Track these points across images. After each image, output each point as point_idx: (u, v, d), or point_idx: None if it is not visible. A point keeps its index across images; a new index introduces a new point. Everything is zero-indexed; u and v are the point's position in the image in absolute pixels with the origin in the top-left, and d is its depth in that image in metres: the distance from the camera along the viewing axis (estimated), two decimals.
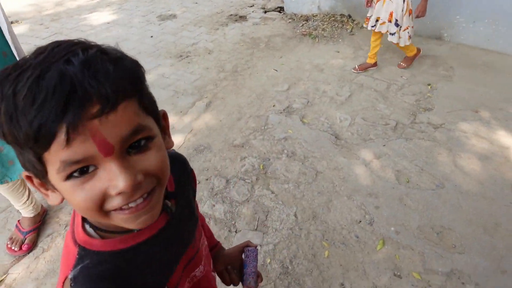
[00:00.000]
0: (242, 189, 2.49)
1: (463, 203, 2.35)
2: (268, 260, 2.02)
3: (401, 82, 3.72)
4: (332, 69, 4.00)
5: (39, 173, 0.49)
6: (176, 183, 0.73)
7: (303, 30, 4.96)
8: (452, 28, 4.40)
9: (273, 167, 2.67)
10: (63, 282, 0.58)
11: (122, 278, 0.60)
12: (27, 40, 4.88)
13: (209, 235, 1.02)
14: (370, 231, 2.18)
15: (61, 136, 0.43)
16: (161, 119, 0.59)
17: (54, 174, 0.48)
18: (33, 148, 0.45)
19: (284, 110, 3.33)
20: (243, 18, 5.51)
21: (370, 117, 3.20)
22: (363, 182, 2.52)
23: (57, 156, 0.45)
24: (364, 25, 3.70)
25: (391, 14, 3.40)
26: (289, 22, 5.27)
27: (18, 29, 5.25)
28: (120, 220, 0.52)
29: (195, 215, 0.80)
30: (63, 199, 0.54)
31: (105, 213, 0.51)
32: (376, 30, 3.56)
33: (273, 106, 3.39)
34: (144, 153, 0.51)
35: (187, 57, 4.38)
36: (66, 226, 2.23)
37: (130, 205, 0.51)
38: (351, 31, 4.86)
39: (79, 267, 0.58)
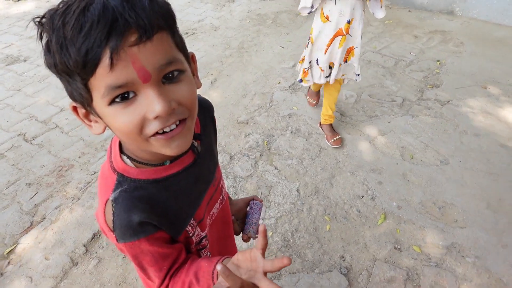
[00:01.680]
0: (245, 165, 2.50)
1: (467, 179, 2.33)
2: (270, 234, 2.05)
3: (409, 59, 3.64)
4: None
5: (85, 100, 0.56)
6: (202, 126, 0.81)
7: None
8: (465, 2, 4.26)
9: (277, 144, 2.67)
10: (105, 204, 0.65)
11: (157, 202, 0.68)
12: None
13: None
14: (372, 206, 2.19)
15: (106, 61, 0.49)
16: (190, 60, 0.65)
17: (99, 99, 0.54)
18: (81, 74, 0.51)
19: (289, 87, 3.30)
20: None
21: (376, 94, 3.16)
22: (366, 158, 2.52)
23: (102, 81, 0.51)
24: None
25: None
26: None
27: (23, 7, 5.24)
28: (158, 145, 0.59)
29: (216, 158, 0.88)
30: (104, 128, 0.60)
31: (145, 138, 0.57)
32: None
33: (279, 83, 3.37)
34: (176, 84, 0.57)
35: (192, 34, 4.34)
36: (73, 199, 2.28)
37: (165, 130, 0.57)
38: None
39: (118, 190, 0.65)
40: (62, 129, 2.87)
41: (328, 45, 2.23)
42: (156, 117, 0.55)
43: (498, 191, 2.25)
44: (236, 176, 2.41)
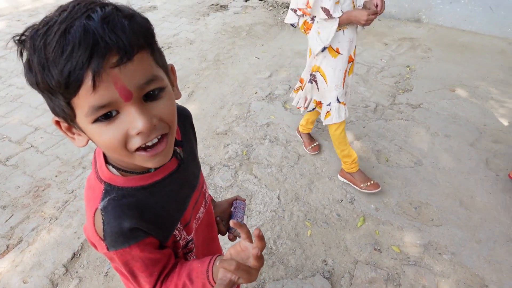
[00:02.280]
0: (226, 175, 2.52)
1: (440, 179, 2.42)
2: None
3: (381, 65, 3.77)
4: None
5: (68, 117, 0.58)
6: (182, 133, 0.84)
7: (284, 17, 4.97)
8: (430, 10, 4.46)
9: (256, 153, 2.70)
10: (94, 213, 0.67)
11: (145, 209, 0.70)
12: (4, 37, 4.79)
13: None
14: (351, 209, 2.24)
15: (88, 83, 0.51)
16: (170, 72, 0.67)
17: (82, 117, 0.56)
18: (64, 94, 0.53)
19: (266, 96, 3.36)
20: (224, 7, 5.49)
21: (350, 100, 3.24)
22: None
23: (85, 101, 0.53)
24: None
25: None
26: (270, 9, 5.26)
27: None
28: (141, 160, 0.62)
29: (198, 162, 0.91)
30: (87, 141, 0.63)
31: (129, 152, 0.60)
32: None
33: (255, 93, 3.41)
34: (157, 101, 0.59)
35: (168, 48, 4.36)
36: (50, 219, 2.23)
37: (148, 144, 0.60)
38: None
39: (107, 199, 0.67)
40: (37, 149, 2.81)
41: (344, 78, 2.10)
42: (138, 133, 0.57)
43: (469, 189, 2.34)
44: (217, 187, 2.42)
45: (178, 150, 0.80)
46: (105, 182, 0.69)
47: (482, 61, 3.75)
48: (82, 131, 0.60)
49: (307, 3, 1.90)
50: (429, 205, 2.24)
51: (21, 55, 0.55)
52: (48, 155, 2.74)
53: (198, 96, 3.44)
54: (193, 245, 0.87)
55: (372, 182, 2.29)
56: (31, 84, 0.56)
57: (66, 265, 1.98)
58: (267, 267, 1.93)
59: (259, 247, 0.65)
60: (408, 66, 3.73)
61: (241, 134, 2.90)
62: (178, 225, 0.79)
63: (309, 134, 2.71)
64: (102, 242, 0.67)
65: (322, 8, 1.87)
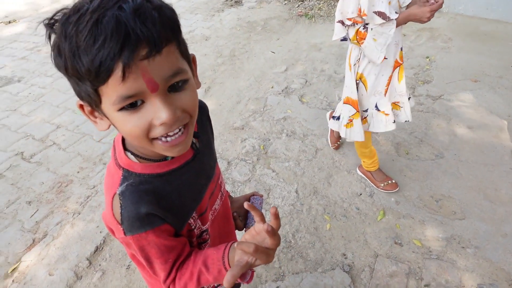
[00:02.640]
0: (243, 169, 2.52)
1: (463, 171, 2.36)
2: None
3: None
4: (330, 48, 3.98)
5: (93, 102, 0.59)
6: (198, 125, 0.85)
7: (299, 10, 4.93)
8: None
9: (273, 147, 2.70)
10: (113, 198, 0.69)
11: (162, 196, 0.72)
12: (26, 39, 4.92)
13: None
14: (370, 203, 2.21)
15: (118, 73, 0.52)
16: (191, 62, 0.68)
17: (108, 104, 0.58)
18: (92, 81, 0.54)
19: (282, 91, 3.34)
20: (238, 2, 5.48)
21: None
22: None
23: (113, 90, 0.55)
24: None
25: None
26: (285, 3, 5.22)
27: (15, 29, 5.29)
28: (161, 148, 0.64)
29: (214, 156, 0.92)
30: (109, 126, 0.64)
31: (150, 140, 0.62)
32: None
33: (272, 87, 3.40)
34: (181, 93, 0.61)
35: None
36: (73, 214, 2.29)
37: (169, 134, 0.62)
38: None
39: (125, 184, 0.69)
40: (60, 146, 2.88)
41: (388, 85, 1.92)
42: (161, 124, 0.59)
43: (493, 182, 2.28)
44: (235, 181, 2.43)
45: (194, 140, 0.82)
46: (123, 168, 0.71)
47: (505, 50, 3.62)
48: (106, 116, 0.62)
49: (360, 10, 1.69)
50: (451, 198, 2.19)
51: (49, 38, 0.57)
52: (70, 152, 2.81)
53: (215, 91, 3.45)
54: (207, 236, 0.88)
55: (391, 181, 2.25)
56: (59, 68, 0.57)
57: (90, 258, 2.02)
58: (286, 260, 1.93)
59: (275, 226, 0.67)
60: (427, 57, 3.64)
61: (258, 129, 2.89)
62: (194, 214, 0.81)
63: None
64: (120, 226, 0.69)
65: (376, 12, 1.68)
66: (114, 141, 0.77)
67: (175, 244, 0.74)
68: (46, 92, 3.60)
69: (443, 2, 1.66)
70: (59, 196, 2.44)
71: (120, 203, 0.68)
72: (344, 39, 1.87)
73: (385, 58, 1.79)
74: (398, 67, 1.92)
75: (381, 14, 1.68)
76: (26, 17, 5.72)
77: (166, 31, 0.56)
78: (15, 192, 2.49)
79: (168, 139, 0.63)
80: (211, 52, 4.16)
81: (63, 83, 3.72)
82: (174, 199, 0.75)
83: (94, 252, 2.06)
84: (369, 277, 1.83)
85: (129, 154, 0.73)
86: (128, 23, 0.52)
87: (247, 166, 2.54)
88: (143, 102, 0.58)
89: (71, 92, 3.42)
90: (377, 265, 1.87)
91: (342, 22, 1.79)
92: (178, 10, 0.74)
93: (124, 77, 0.53)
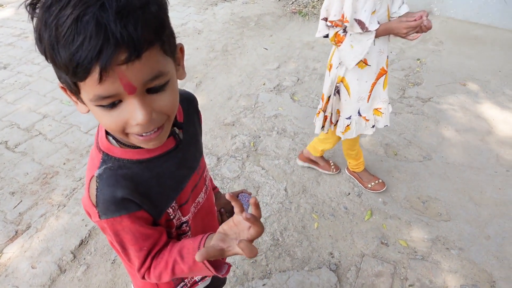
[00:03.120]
0: (233, 166, 2.51)
1: (450, 174, 2.40)
2: None
3: (390, 58, 3.71)
4: (323, 47, 3.98)
5: (72, 90, 0.59)
6: (185, 115, 0.84)
7: (293, 8, 4.91)
8: (442, 2, 4.38)
9: (264, 144, 2.69)
10: (90, 180, 0.70)
11: (140, 182, 0.72)
12: (13, 24, 4.79)
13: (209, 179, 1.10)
14: (358, 203, 2.22)
15: (95, 75, 0.52)
16: (177, 53, 0.66)
17: (86, 98, 0.58)
18: (69, 76, 0.54)
19: (274, 88, 3.33)
20: None
21: None
22: None
23: (91, 89, 0.55)
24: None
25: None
26: (279, 0, 5.20)
27: (2, 14, 5.15)
28: (136, 141, 0.65)
29: (200, 148, 0.91)
30: (88, 111, 0.64)
31: (125, 134, 0.63)
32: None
33: (263, 84, 3.39)
34: (159, 94, 0.60)
35: (176, 37, 4.32)
36: (58, 206, 2.25)
37: (144, 134, 0.63)
38: None
39: (103, 167, 0.70)
40: (46, 136, 2.82)
41: (371, 91, 1.90)
42: (137, 124, 0.60)
43: (479, 184, 2.32)
44: (224, 178, 2.42)
45: (178, 131, 0.81)
46: (103, 152, 0.72)
47: (494, 55, 3.68)
48: (85, 104, 0.62)
49: (343, 16, 1.67)
50: (437, 200, 2.22)
51: (32, 20, 0.55)
52: (56, 143, 2.75)
53: (206, 86, 3.42)
54: (188, 228, 0.88)
55: (378, 181, 2.27)
56: (40, 52, 0.56)
57: (74, 252, 1.99)
58: (273, 258, 1.93)
59: (256, 214, 0.66)
60: (418, 59, 3.67)
61: (248, 125, 2.88)
62: (173, 204, 0.80)
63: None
64: (95, 209, 0.69)
65: (356, 20, 1.65)
66: (98, 125, 0.77)
67: (151, 232, 0.74)
68: (32, 81, 3.52)
69: (428, 26, 1.60)
70: (43, 188, 2.39)
71: (97, 186, 0.68)
72: (326, 36, 1.85)
73: (367, 64, 1.80)
74: (384, 75, 1.89)
75: (360, 23, 1.65)
76: (13, 2, 5.57)
77: (149, 33, 0.54)
78: None
79: (143, 134, 0.63)
80: (203, 46, 4.12)
81: (51, 72, 3.64)
82: (153, 186, 0.75)
83: (79, 246, 2.03)
84: (355, 276, 1.84)
85: (110, 138, 0.73)
86: (108, 26, 0.50)
87: (236, 163, 2.53)
88: (120, 101, 0.58)
89: None
90: (363, 264, 1.89)
91: (326, 19, 1.77)
92: (170, 2, 0.72)
93: (101, 79, 0.52)
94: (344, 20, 1.65)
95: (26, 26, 4.73)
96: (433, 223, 2.08)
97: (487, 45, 3.87)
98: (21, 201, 2.29)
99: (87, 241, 2.05)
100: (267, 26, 4.54)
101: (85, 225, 2.13)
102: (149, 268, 0.76)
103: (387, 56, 1.86)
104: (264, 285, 1.81)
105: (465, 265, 1.88)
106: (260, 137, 2.77)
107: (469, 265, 1.88)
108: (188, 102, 0.89)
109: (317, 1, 4.95)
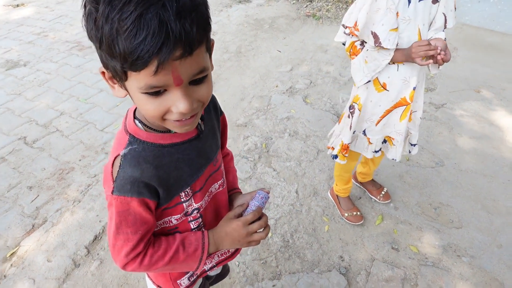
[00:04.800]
0: (244, 167, 2.54)
1: (462, 181, 2.39)
2: (270, 234, 2.08)
3: None
4: (336, 50, 3.99)
5: (118, 76, 0.63)
6: (205, 110, 0.90)
7: (307, 11, 4.93)
8: (457, 8, 4.34)
9: (275, 146, 2.71)
10: (115, 158, 0.76)
11: (160, 165, 0.78)
12: (33, 23, 4.90)
13: (233, 176, 1.14)
14: (369, 207, 2.23)
15: (152, 68, 0.57)
16: (211, 47, 0.72)
17: (134, 86, 0.63)
18: (124, 66, 0.58)
19: (287, 90, 3.35)
20: None
21: None
22: None
23: (144, 79, 0.60)
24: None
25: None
26: (293, 3, 5.22)
27: (23, 12, 5.27)
28: (171, 126, 0.71)
29: (217, 142, 0.96)
30: (126, 95, 0.70)
31: (163, 120, 0.69)
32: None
33: (276, 86, 3.41)
34: (200, 86, 0.67)
35: None
36: (74, 202, 2.30)
37: (181, 119, 0.68)
38: None
39: (129, 148, 0.76)
40: (62, 133, 2.89)
41: (382, 117, 1.75)
42: (178, 112, 0.65)
43: (492, 192, 2.30)
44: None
45: (200, 122, 0.87)
46: (130, 134, 0.77)
47: (510, 63, 3.64)
48: (127, 90, 0.67)
49: (355, 24, 1.54)
50: (449, 207, 2.21)
51: (85, 6, 0.59)
52: (72, 140, 2.82)
53: (219, 87, 3.46)
54: (198, 215, 0.92)
55: (357, 213, 2.13)
56: (91, 38, 0.61)
57: (88, 247, 2.04)
58: (283, 259, 1.95)
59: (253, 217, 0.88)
60: None
61: (261, 127, 2.91)
62: (187, 189, 0.85)
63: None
64: (112, 183, 0.74)
65: (372, 32, 1.50)
66: (128, 110, 0.83)
67: (149, 218, 0.79)
68: (51, 78, 3.60)
69: (446, 58, 1.46)
70: (60, 183, 2.45)
71: (120, 163, 0.74)
72: (344, 44, 1.72)
73: (386, 89, 1.65)
74: (404, 107, 1.69)
75: (375, 37, 1.50)
76: (34, 1, 5.70)
77: (200, 32, 0.60)
78: (16, 177, 2.49)
79: (180, 121, 0.69)
80: (217, 48, 4.16)
81: (68, 70, 3.72)
82: (171, 171, 0.80)
83: (93, 241, 2.07)
84: (365, 280, 1.85)
85: (137, 122, 0.79)
86: (169, 25, 0.55)
87: (248, 164, 2.56)
88: (165, 90, 0.63)
89: (76, 79, 3.39)
90: (373, 269, 1.90)
91: (345, 27, 1.64)
92: None
93: (156, 72, 0.58)
94: (356, 27, 1.54)
95: (45, 25, 4.83)
96: (444, 230, 2.08)
97: (503, 52, 3.84)
98: (38, 196, 2.35)
99: (101, 237, 2.09)
100: (281, 29, 4.56)
101: (99, 221, 2.17)
102: (141, 254, 0.80)
103: (414, 88, 1.63)
104: (273, 286, 1.82)
105: (476, 273, 1.87)
106: (272, 138, 2.79)
107: (480, 273, 1.87)
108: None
109: (331, 5, 4.96)
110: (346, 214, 2.14)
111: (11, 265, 1.96)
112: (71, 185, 2.43)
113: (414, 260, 1.93)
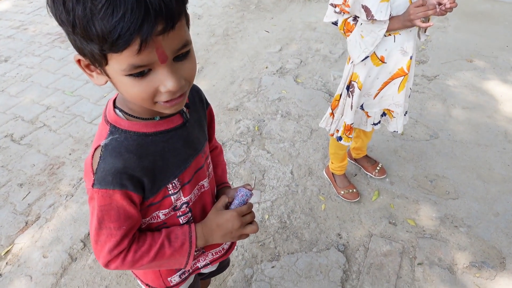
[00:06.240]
0: (238, 150, 2.50)
1: (457, 151, 2.37)
2: (267, 216, 2.06)
3: None
4: (325, 27, 3.91)
5: (96, 61, 0.59)
6: (190, 99, 0.88)
7: None
8: None
9: (268, 128, 2.67)
10: (95, 149, 0.72)
11: (144, 155, 0.74)
12: (11, 17, 4.75)
13: (222, 170, 1.10)
14: (365, 184, 2.21)
15: (135, 47, 0.54)
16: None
17: (116, 69, 0.59)
18: (103, 47, 0.55)
19: (277, 71, 3.29)
20: None
21: None
22: None
23: (126, 60, 0.56)
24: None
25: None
26: None
27: (1, 6, 5.10)
28: (162, 108, 0.67)
29: (205, 133, 0.92)
30: (106, 81, 0.66)
31: (153, 103, 0.66)
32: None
33: (266, 67, 3.35)
34: (184, 61, 0.64)
35: None
36: (66, 196, 2.26)
37: (170, 99, 0.66)
38: None
39: (109, 138, 0.72)
40: (50, 127, 2.83)
41: (380, 89, 1.73)
42: (167, 91, 0.63)
43: (487, 162, 2.29)
44: (229, 163, 2.41)
45: (185, 109, 0.83)
46: (110, 124, 0.73)
47: (501, 30, 3.60)
48: (109, 77, 0.63)
49: (345, 0, 1.50)
50: (445, 178, 2.20)
51: None
52: (60, 134, 2.76)
53: (208, 72, 3.39)
54: (188, 209, 0.88)
55: (352, 190, 2.11)
56: (61, 23, 0.56)
57: (84, 240, 2.01)
58: (281, 240, 1.94)
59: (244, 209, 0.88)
60: None
61: (252, 110, 2.86)
62: (175, 181, 0.81)
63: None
64: (92, 176, 0.71)
65: (362, 6, 1.46)
66: (108, 101, 0.79)
67: (134, 213, 0.75)
68: (34, 72, 3.51)
69: (451, 5, 1.37)
70: (51, 179, 2.40)
71: (101, 154, 0.71)
72: (335, 23, 1.67)
73: (384, 62, 1.61)
74: (402, 77, 1.67)
75: (366, 10, 1.46)
76: None
77: (179, 5, 0.57)
78: (5, 175, 2.44)
79: (169, 101, 0.66)
80: (203, 32, 4.07)
81: (52, 63, 3.62)
82: (157, 161, 0.76)
83: (88, 234, 2.04)
84: (363, 256, 1.84)
85: (117, 111, 0.75)
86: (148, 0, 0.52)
87: (241, 147, 2.52)
88: (150, 70, 0.60)
89: (60, 72, 3.30)
90: (371, 244, 1.89)
91: (334, 6, 1.59)
92: None
93: (140, 50, 0.55)
94: (346, 4, 1.49)
95: (24, 18, 4.69)
96: (441, 202, 2.07)
97: (494, 20, 3.78)
98: (29, 192, 2.31)
99: None
100: (267, 9, 4.46)
101: None
102: (124, 250, 0.76)
103: (411, 57, 1.61)
104: (273, 267, 1.82)
105: (474, 242, 1.87)
106: (264, 120, 2.75)
107: (478, 243, 1.87)
108: (192, 92, 0.90)
109: None
110: (342, 192, 2.12)
111: (7, 263, 1.93)
112: (63, 179, 2.39)
113: (411, 233, 1.93)
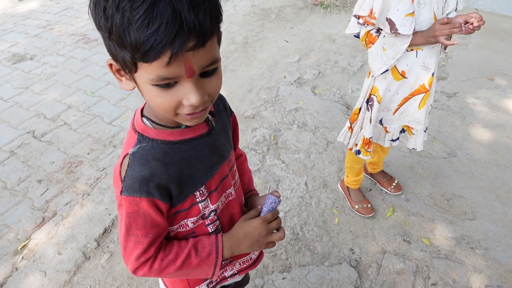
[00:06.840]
0: (253, 159, 2.51)
1: (475, 171, 2.34)
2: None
3: None
4: (345, 39, 3.92)
5: (127, 68, 0.62)
6: (215, 107, 0.89)
7: (315, 0, 4.84)
8: None
9: (284, 138, 2.68)
10: (124, 157, 0.74)
11: (171, 162, 0.76)
12: (39, 16, 4.89)
13: (248, 178, 1.11)
14: (380, 199, 2.19)
15: (165, 59, 0.56)
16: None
17: (144, 77, 0.61)
18: (135, 56, 0.57)
19: (295, 81, 3.31)
20: None
21: None
22: None
23: (156, 70, 0.58)
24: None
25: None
26: None
27: (29, 6, 5.26)
28: (183, 119, 0.69)
29: (230, 141, 0.93)
30: (134, 88, 0.68)
31: (175, 114, 0.67)
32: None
33: (284, 77, 3.37)
34: (210, 78, 0.65)
35: None
36: (83, 195, 2.30)
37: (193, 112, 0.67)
38: None
39: (137, 146, 0.74)
40: (70, 126, 2.89)
41: (400, 105, 1.71)
42: (189, 105, 0.64)
43: (506, 183, 2.25)
44: None
45: (210, 118, 0.85)
46: (138, 132, 0.75)
47: None
48: (136, 83, 0.65)
49: (371, 12, 1.49)
50: (462, 198, 2.17)
51: None
52: (80, 133, 2.81)
53: (226, 79, 3.42)
54: (216, 217, 0.88)
55: (367, 205, 2.09)
56: (99, 28, 0.59)
57: (98, 240, 2.04)
58: (293, 252, 1.93)
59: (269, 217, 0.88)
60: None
61: (269, 119, 2.87)
62: (202, 188, 0.82)
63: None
64: (120, 183, 0.72)
65: (387, 19, 1.46)
66: (136, 110, 0.81)
67: (160, 221, 0.76)
68: (58, 71, 3.60)
69: (478, 24, 1.38)
70: (69, 177, 2.45)
71: (129, 162, 0.73)
72: (358, 35, 1.68)
73: (404, 77, 1.61)
74: (423, 94, 1.65)
75: (390, 23, 1.46)
76: None
77: (213, 23, 0.59)
78: (26, 170, 2.50)
79: (190, 114, 0.68)
80: (223, 39, 4.11)
81: (75, 63, 3.71)
82: (183, 168, 0.77)
83: (103, 234, 2.07)
84: (376, 273, 1.82)
85: (145, 120, 0.77)
86: (183, 14, 0.53)
87: (257, 156, 2.53)
88: (176, 82, 0.62)
89: (83, 72, 3.38)
90: (384, 261, 1.87)
91: (358, 17, 1.58)
92: None
93: (169, 63, 0.56)
94: (372, 16, 1.49)
95: (51, 18, 4.82)
96: (457, 222, 2.04)
97: None
98: (47, 189, 2.36)
99: (111, 230, 2.10)
100: (288, 18, 4.49)
101: (109, 214, 2.17)
102: (151, 258, 0.77)
103: (433, 74, 1.59)
104: (283, 278, 1.81)
105: (490, 265, 1.84)
106: (280, 130, 2.75)
107: (495, 266, 1.83)
108: (217, 98, 0.90)
109: None
110: (356, 206, 2.11)
111: (22, 257, 1.97)
112: (80, 178, 2.44)
113: (426, 253, 1.90)
